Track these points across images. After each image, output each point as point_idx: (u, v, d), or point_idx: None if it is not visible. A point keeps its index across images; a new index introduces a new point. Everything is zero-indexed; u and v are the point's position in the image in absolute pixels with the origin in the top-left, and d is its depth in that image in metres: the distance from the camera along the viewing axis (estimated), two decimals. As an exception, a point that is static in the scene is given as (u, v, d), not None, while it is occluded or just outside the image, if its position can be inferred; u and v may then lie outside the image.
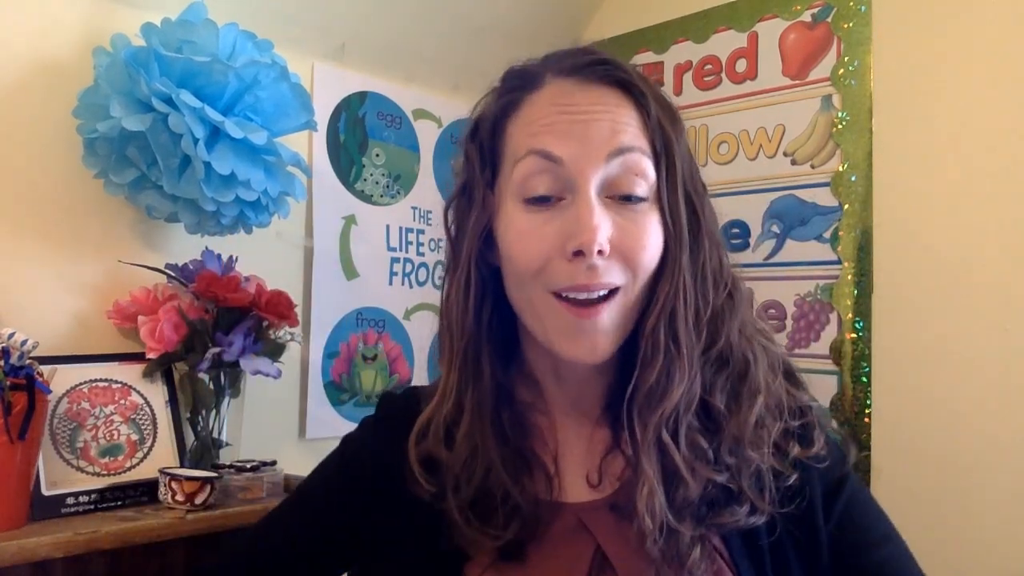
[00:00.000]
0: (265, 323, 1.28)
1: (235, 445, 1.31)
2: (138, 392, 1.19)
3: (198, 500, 1.09)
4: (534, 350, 0.73)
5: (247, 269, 1.31)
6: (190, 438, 1.24)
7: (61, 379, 1.10)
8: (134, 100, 1.11)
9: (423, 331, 1.70)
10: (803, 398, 0.73)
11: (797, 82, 1.58)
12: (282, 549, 0.81)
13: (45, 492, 1.05)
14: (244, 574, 0.83)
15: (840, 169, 1.51)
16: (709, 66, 1.72)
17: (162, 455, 1.18)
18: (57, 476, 1.07)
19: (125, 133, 1.10)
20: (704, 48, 1.73)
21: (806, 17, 1.57)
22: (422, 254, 1.73)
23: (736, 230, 1.63)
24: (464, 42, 1.73)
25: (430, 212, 1.74)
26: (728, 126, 1.68)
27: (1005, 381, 1.31)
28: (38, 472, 1.04)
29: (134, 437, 1.16)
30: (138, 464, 1.15)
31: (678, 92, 1.75)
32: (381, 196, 1.66)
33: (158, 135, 1.10)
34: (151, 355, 1.20)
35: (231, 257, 1.29)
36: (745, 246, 1.62)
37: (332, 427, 1.55)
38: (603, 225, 0.63)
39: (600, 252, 0.63)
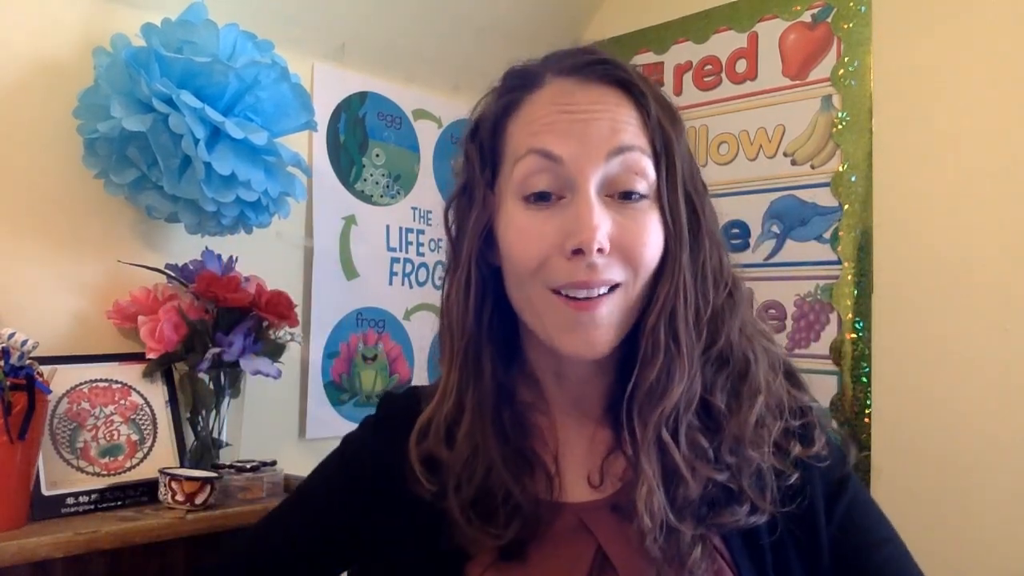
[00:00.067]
0: (265, 323, 1.28)
1: (235, 445, 1.31)
2: (138, 392, 1.19)
3: (198, 500, 1.09)
4: (535, 349, 0.73)
5: (247, 269, 1.31)
6: (190, 438, 1.24)
7: (61, 379, 1.10)
8: (134, 100, 1.11)
9: (423, 331, 1.70)
10: (804, 398, 0.73)
11: (797, 82, 1.58)
12: (282, 549, 0.81)
13: (45, 492, 1.05)
14: (244, 574, 0.83)
15: (840, 169, 1.51)
16: (709, 66, 1.72)
17: (162, 455, 1.18)
18: (57, 476, 1.07)
19: (125, 133, 1.10)
20: (704, 48, 1.73)
21: (806, 17, 1.57)
22: (422, 254, 1.73)
23: (736, 230, 1.63)
24: (464, 42, 1.73)
25: (430, 212, 1.74)
26: (728, 126, 1.68)
27: (1005, 381, 1.31)
28: (38, 472, 1.04)
29: (134, 437, 1.16)
30: (138, 464, 1.15)
31: (678, 92, 1.75)
32: (381, 196, 1.66)
33: (158, 135, 1.10)
34: (151, 355, 1.20)
35: (231, 257, 1.30)
36: (745, 246, 1.62)
37: (332, 427, 1.55)
38: (603, 223, 0.63)
39: (600, 250, 0.63)
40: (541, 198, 0.66)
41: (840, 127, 1.51)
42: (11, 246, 1.16)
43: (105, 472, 1.12)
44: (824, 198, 1.53)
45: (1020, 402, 1.30)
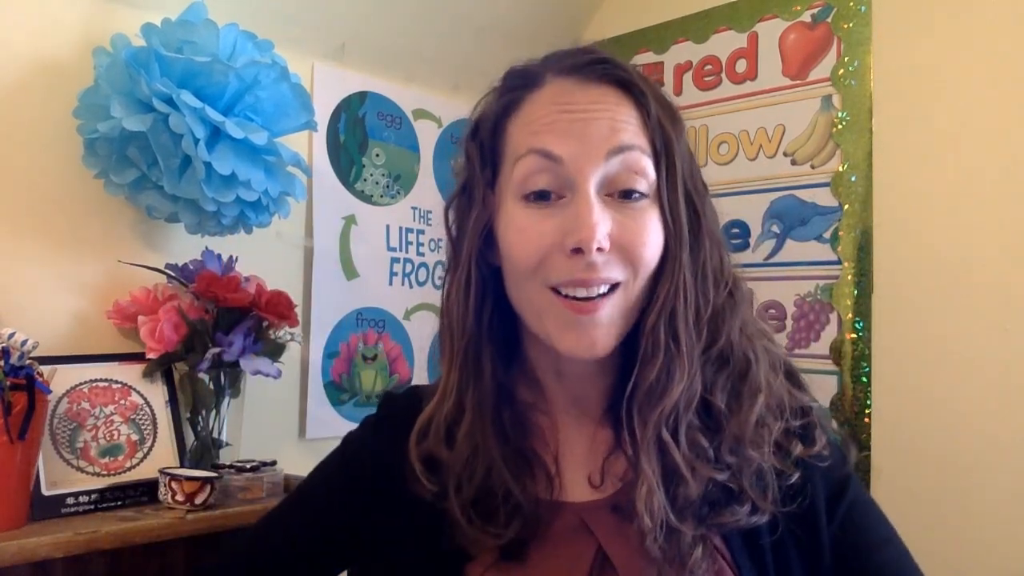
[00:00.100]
0: (265, 323, 1.28)
1: (235, 445, 1.31)
2: (138, 392, 1.19)
3: (198, 500, 1.09)
4: (535, 349, 0.73)
5: (247, 269, 1.31)
6: (190, 438, 1.24)
7: (61, 379, 1.10)
8: (134, 100, 1.11)
9: (423, 331, 1.70)
10: (804, 399, 0.73)
11: (797, 82, 1.58)
12: (282, 549, 0.81)
13: (45, 492, 1.05)
14: (244, 574, 0.83)
15: (840, 169, 1.51)
16: (709, 66, 1.72)
17: (162, 455, 1.18)
18: (57, 476, 1.07)
19: (125, 133, 1.10)
20: (704, 48, 1.73)
21: (806, 17, 1.57)
22: (422, 254, 1.73)
23: (736, 230, 1.63)
24: (464, 42, 1.73)
25: (430, 212, 1.74)
26: (728, 126, 1.68)
27: (1005, 381, 1.31)
28: (38, 472, 1.04)
29: (134, 437, 1.16)
30: (138, 464, 1.15)
31: (678, 92, 1.75)
32: (381, 196, 1.66)
33: (159, 135, 1.10)
34: (151, 355, 1.20)
35: (231, 257, 1.29)
36: (745, 246, 1.62)
37: (332, 427, 1.55)
38: (602, 222, 0.63)
39: (599, 249, 0.63)
40: (541, 197, 0.66)
41: (840, 127, 1.51)
42: (11, 246, 1.16)
43: (105, 472, 1.12)
44: (824, 198, 1.53)
45: (1020, 402, 1.30)
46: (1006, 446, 1.30)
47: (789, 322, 1.56)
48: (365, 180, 1.63)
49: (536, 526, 0.68)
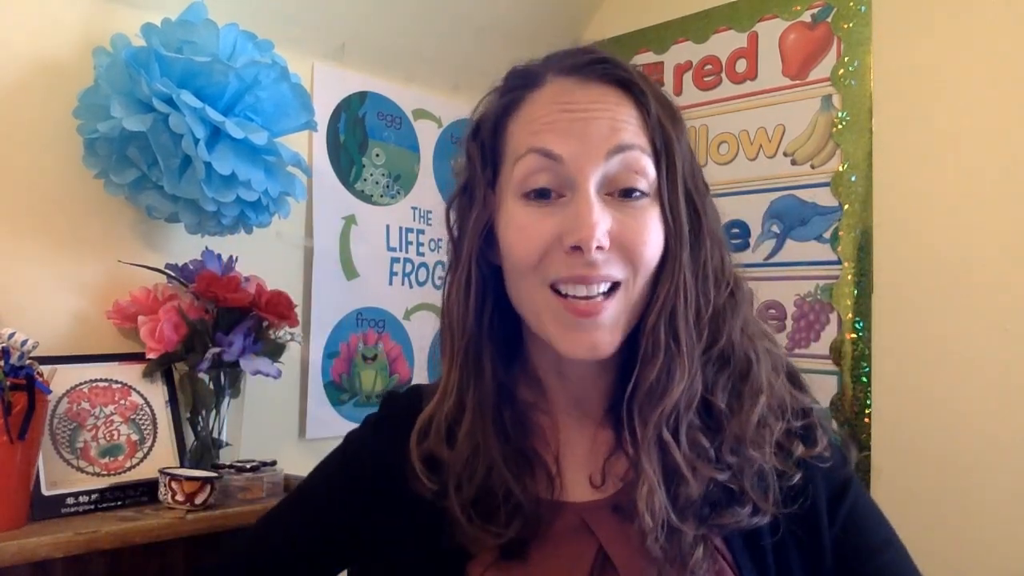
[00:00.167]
0: (265, 323, 1.28)
1: (235, 445, 1.31)
2: (138, 392, 1.19)
3: (198, 500, 1.09)
4: (536, 348, 0.73)
5: (247, 269, 1.31)
6: (190, 438, 1.24)
7: (61, 379, 1.10)
8: (135, 100, 1.11)
9: (423, 331, 1.70)
10: (805, 400, 0.73)
11: (797, 82, 1.58)
12: (282, 548, 0.81)
13: (45, 492, 1.05)
14: (244, 574, 0.82)
15: (840, 169, 1.51)
16: (709, 66, 1.72)
17: (162, 455, 1.18)
18: (57, 476, 1.07)
19: (126, 133, 1.10)
20: (704, 48, 1.73)
21: (806, 17, 1.57)
22: (422, 254, 1.73)
23: (736, 230, 1.63)
24: (464, 42, 1.73)
25: (430, 212, 1.74)
26: (728, 126, 1.68)
27: (1005, 381, 1.31)
28: (38, 472, 1.04)
29: (134, 437, 1.16)
30: (138, 464, 1.15)
31: (678, 92, 1.75)
32: (381, 196, 1.66)
33: (159, 135, 1.10)
34: (151, 355, 1.20)
35: (231, 257, 1.29)
36: (745, 246, 1.62)
37: (332, 427, 1.55)
38: (602, 221, 0.63)
39: (599, 248, 0.63)
40: (541, 195, 0.66)
41: (840, 127, 1.51)
42: (11, 246, 1.16)
43: (105, 472, 1.12)
44: (824, 198, 1.53)
45: (1020, 402, 1.30)
46: (1006, 446, 1.30)
47: (789, 322, 1.56)
48: (365, 180, 1.63)
49: (537, 526, 0.68)
